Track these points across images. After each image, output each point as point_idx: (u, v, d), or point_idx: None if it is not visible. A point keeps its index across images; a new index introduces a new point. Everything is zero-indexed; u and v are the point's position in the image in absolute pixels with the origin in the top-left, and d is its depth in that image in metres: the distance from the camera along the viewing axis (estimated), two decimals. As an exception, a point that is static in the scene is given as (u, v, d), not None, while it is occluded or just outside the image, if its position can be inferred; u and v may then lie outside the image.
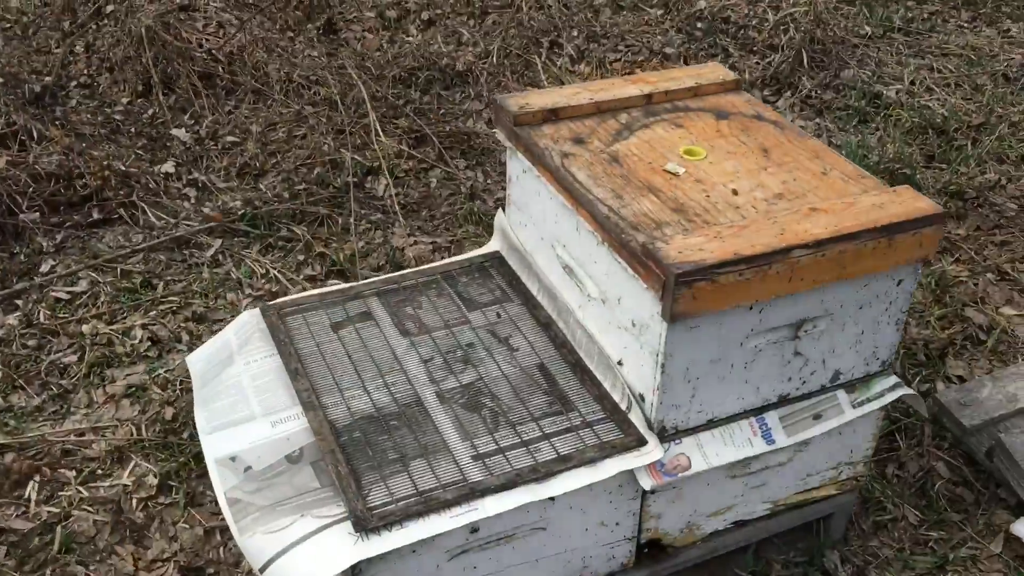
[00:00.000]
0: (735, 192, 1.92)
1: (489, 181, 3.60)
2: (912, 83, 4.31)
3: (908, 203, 1.85)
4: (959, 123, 4.00)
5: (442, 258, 3.16)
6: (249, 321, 2.18)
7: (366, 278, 2.46)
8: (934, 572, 2.28)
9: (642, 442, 1.86)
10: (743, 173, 1.99)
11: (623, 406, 1.93)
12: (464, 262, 2.35)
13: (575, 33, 4.49)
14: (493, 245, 2.39)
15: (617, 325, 1.92)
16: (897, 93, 4.22)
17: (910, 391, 2.09)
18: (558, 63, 4.32)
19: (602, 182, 1.94)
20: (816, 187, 1.95)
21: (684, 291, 1.65)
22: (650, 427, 1.87)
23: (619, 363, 1.94)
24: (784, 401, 1.99)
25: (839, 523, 2.31)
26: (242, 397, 2.01)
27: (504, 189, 2.36)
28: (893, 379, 2.08)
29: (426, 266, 2.35)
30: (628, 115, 2.19)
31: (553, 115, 2.15)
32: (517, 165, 2.19)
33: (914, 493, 2.47)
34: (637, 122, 2.17)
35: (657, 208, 1.86)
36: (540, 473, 1.80)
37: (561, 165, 1.99)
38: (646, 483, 1.85)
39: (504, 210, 2.34)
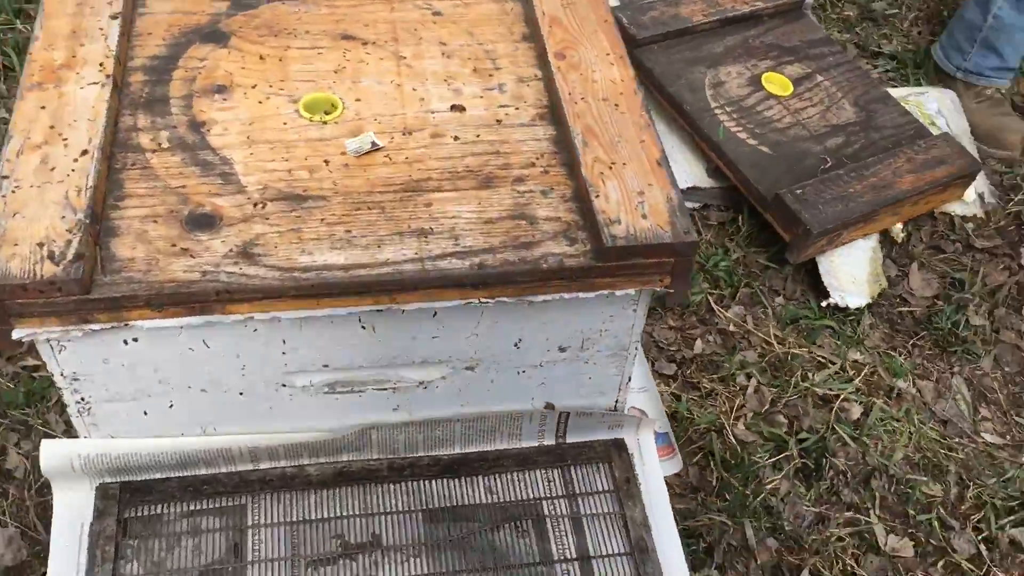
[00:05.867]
0: (457, 108, 1.27)
1: None
2: None
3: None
4: None
5: None
6: None
7: None
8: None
9: (620, 446, 1.38)
10: (404, 95, 1.30)
11: (550, 441, 1.37)
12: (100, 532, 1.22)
13: None
14: (78, 491, 1.26)
15: (516, 372, 1.26)
16: None
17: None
18: None
19: (358, 240, 1.11)
20: (486, 37, 1.38)
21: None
22: (611, 426, 1.38)
23: (548, 406, 1.32)
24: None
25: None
26: None
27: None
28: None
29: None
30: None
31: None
32: (109, 345, 1.10)
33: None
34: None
35: (453, 197, 1.16)
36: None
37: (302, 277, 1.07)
38: (676, 467, 1.44)
39: (82, 424, 1.21)
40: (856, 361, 2.13)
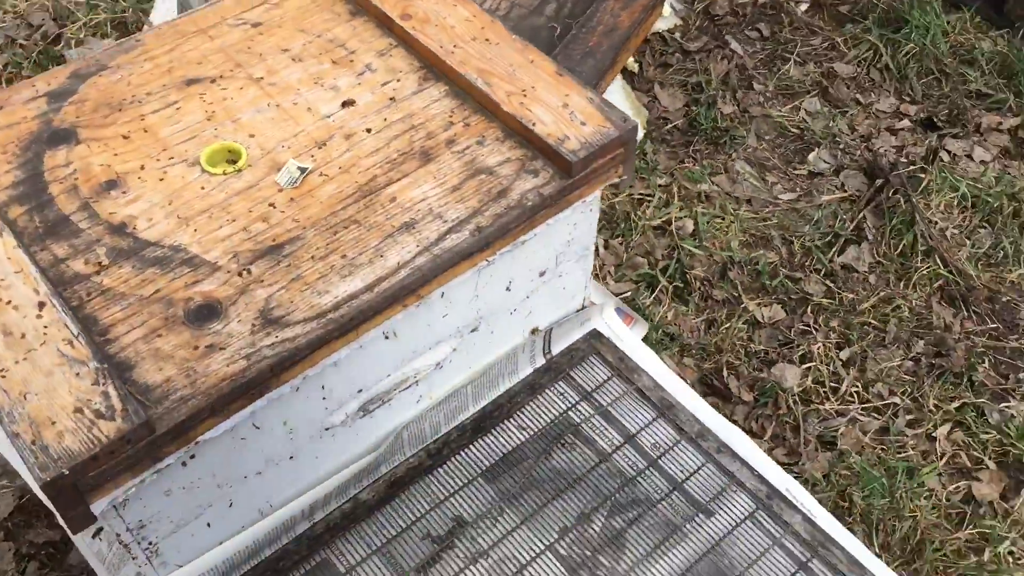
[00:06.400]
0: (348, 104, 1.26)
1: None
2: None
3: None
4: None
5: None
6: None
7: None
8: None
9: (597, 336, 1.49)
10: (289, 102, 1.26)
11: (541, 361, 1.45)
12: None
13: None
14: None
15: (509, 313, 1.32)
16: None
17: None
18: None
19: (314, 278, 1.11)
20: (329, 28, 1.35)
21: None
22: (583, 323, 1.49)
23: (534, 331, 1.39)
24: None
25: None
26: None
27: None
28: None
29: None
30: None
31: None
32: (170, 474, 1.04)
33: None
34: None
35: (422, 187, 1.18)
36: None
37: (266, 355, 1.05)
38: (644, 328, 1.57)
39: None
40: (662, 185, 2.37)
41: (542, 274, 1.32)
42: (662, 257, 2.22)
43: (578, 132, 1.19)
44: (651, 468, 1.36)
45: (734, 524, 1.32)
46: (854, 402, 2.05)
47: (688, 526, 1.32)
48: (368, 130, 1.23)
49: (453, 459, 1.36)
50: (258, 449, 1.12)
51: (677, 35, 2.72)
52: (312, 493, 1.25)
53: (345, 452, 1.26)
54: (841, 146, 2.49)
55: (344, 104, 1.26)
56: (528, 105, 1.22)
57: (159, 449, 0.98)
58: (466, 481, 1.35)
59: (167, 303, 1.06)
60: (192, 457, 1.05)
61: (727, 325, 2.13)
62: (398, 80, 1.29)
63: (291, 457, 1.18)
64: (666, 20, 2.73)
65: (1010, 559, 1.86)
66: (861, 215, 2.32)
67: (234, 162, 1.20)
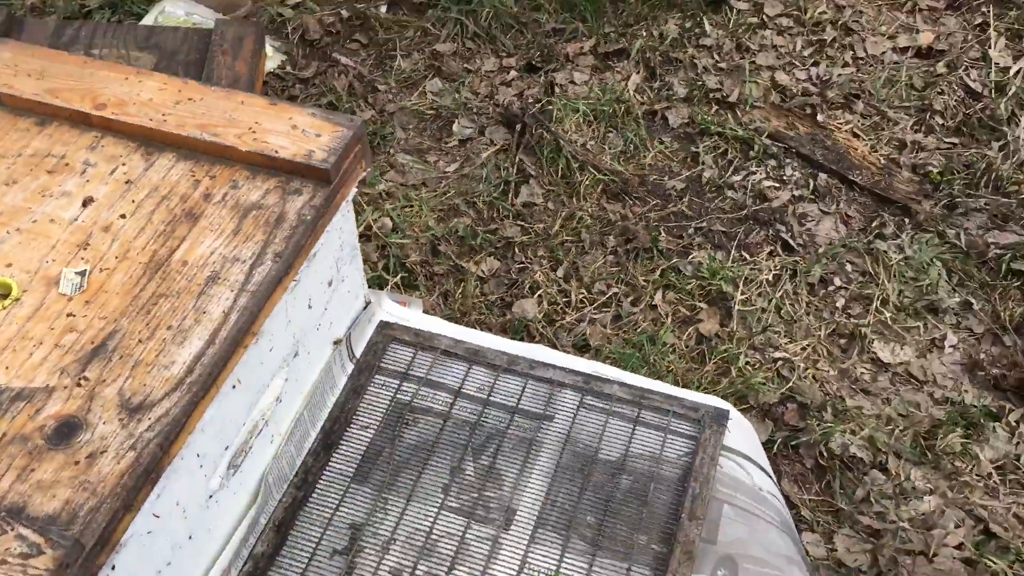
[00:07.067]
0: (89, 201, 1.27)
1: None
2: None
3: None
4: None
5: None
6: None
7: None
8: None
9: (387, 326, 1.62)
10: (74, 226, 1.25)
11: (351, 366, 1.55)
12: None
13: None
14: None
15: (315, 330, 1.41)
16: None
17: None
18: None
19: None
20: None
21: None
22: (370, 320, 1.60)
23: (336, 342, 1.48)
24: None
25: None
26: None
27: None
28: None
29: None
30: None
31: None
32: None
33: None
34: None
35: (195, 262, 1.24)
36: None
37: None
38: (419, 306, 1.71)
39: None
40: (344, 199, 2.50)
41: (330, 283, 1.41)
42: (378, 258, 2.37)
43: (319, 144, 1.30)
44: (487, 407, 1.52)
45: (572, 416, 1.51)
46: (586, 306, 2.34)
47: (539, 436, 1.49)
48: (123, 216, 1.26)
49: (320, 481, 1.43)
50: (163, 538, 1.13)
51: (289, 68, 2.85)
52: (217, 567, 1.26)
53: (230, 514, 1.29)
54: (474, 111, 2.77)
55: (84, 203, 1.27)
56: (262, 138, 1.31)
57: (92, 563, 0.97)
58: (341, 493, 1.42)
59: (22, 440, 1.04)
60: (113, 568, 1.04)
61: (460, 291, 2.32)
62: (123, 164, 1.32)
63: (190, 537, 1.19)
64: (273, 59, 2.85)
65: (749, 368, 2.24)
66: (518, 159, 2.61)
67: (6, 295, 1.17)
